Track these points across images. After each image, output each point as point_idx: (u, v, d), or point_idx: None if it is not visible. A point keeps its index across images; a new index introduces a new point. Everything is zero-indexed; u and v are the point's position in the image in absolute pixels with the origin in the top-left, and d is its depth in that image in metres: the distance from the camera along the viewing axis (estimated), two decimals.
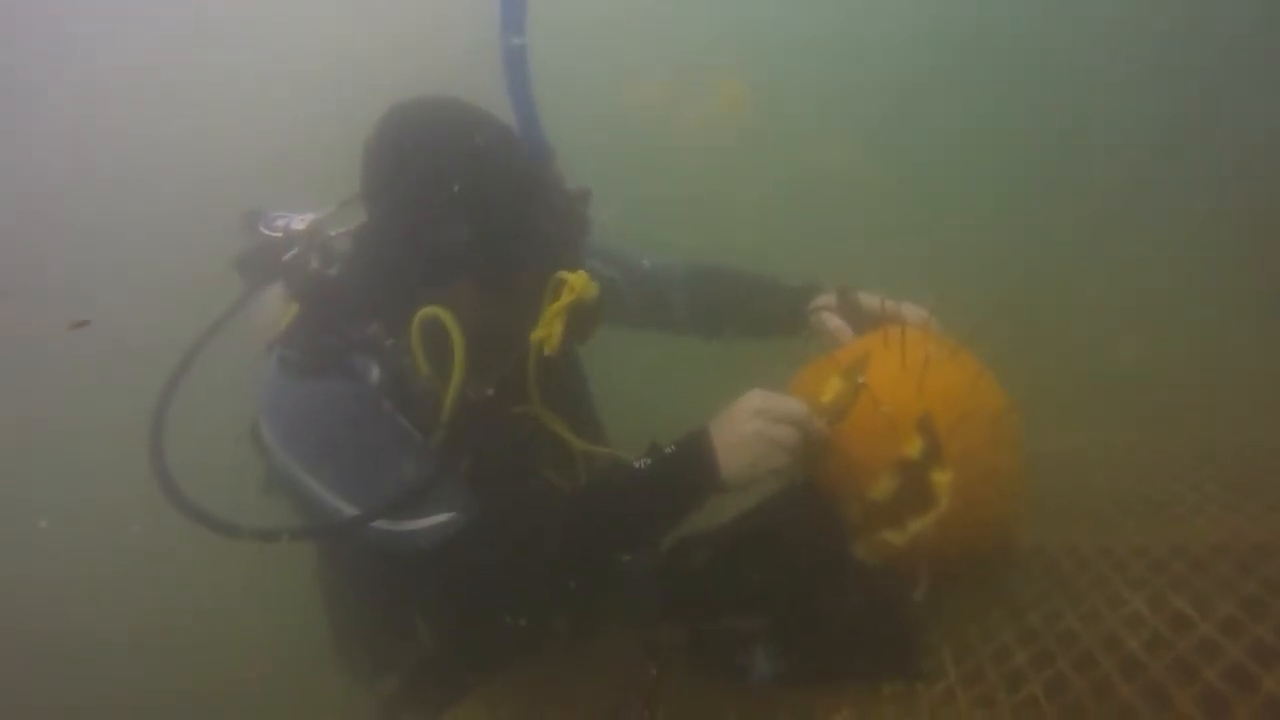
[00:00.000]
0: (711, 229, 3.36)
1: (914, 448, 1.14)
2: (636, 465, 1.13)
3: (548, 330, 1.19)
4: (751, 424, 1.10)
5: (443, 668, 1.29)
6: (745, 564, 1.15)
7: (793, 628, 1.13)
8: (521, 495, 1.26)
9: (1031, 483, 1.64)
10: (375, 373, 1.19)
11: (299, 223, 1.35)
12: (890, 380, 1.17)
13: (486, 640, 1.24)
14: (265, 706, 2.56)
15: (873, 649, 1.09)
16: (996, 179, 3.53)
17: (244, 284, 1.38)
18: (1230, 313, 2.48)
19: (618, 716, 1.17)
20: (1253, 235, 2.84)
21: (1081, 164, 3.44)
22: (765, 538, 1.16)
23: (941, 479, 1.12)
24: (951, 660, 1.06)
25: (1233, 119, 3.21)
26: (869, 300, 1.40)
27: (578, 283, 1.19)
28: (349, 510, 1.13)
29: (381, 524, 1.12)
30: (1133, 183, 3.31)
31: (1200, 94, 3.29)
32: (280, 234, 1.34)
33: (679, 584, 1.20)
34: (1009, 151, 3.52)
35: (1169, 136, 3.32)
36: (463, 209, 1.15)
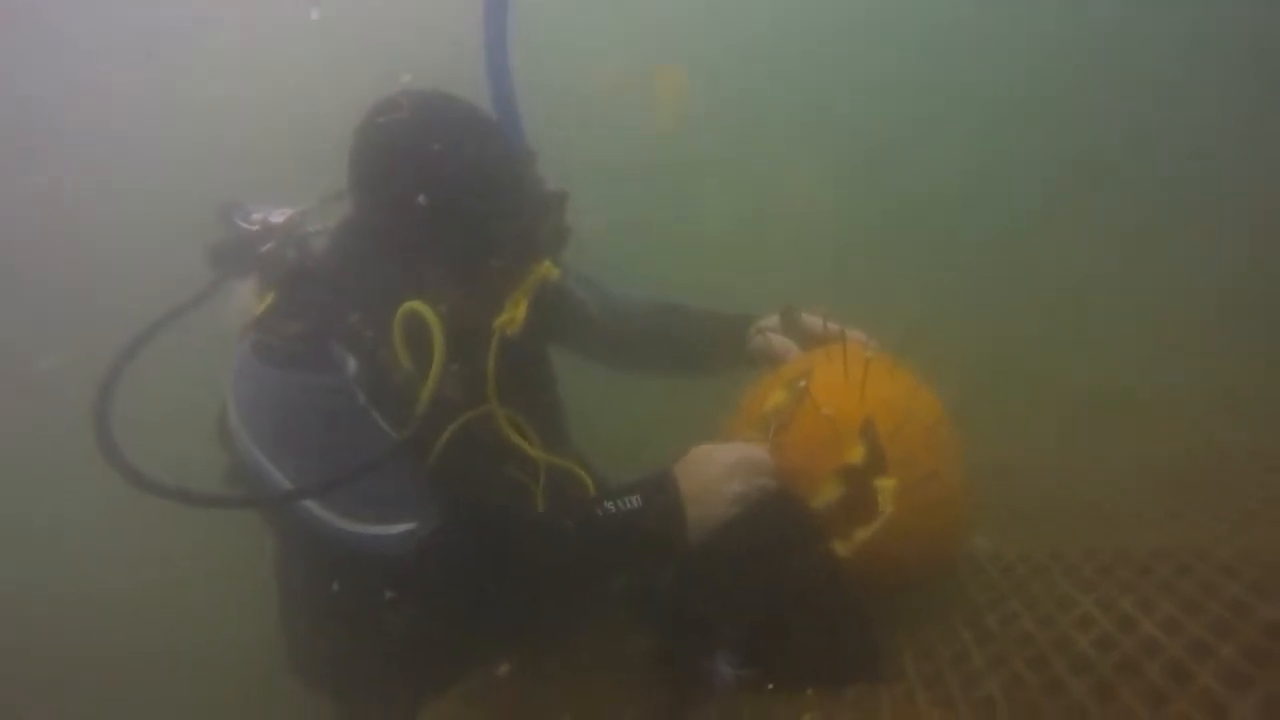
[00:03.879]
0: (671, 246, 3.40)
1: (857, 454, 1.16)
2: (601, 510, 1.13)
3: (511, 313, 1.22)
4: (732, 487, 1.12)
5: (407, 670, 1.27)
6: (724, 573, 1.16)
7: (756, 633, 1.15)
8: (483, 507, 1.26)
9: (987, 491, 1.72)
10: (352, 364, 1.18)
11: (277, 216, 1.33)
12: (833, 389, 1.20)
13: (450, 646, 1.23)
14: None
15: (835, 653, 1.11)
16: (948, 196, 3.64)
17: (214, 274, 1.35)
18: (1179, 329, 2.59)
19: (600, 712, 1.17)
20: (1198, 252, 2.99)
21: (1036, 187, 3.59)
22: (745, 546, 1.17)
23: (885, 485, 1.14)
24: (912, 663, 1.09)
25: (1163, 143, 3.39)
26: (811, 320, 1.46)
27: (541, 268, 1.23)
28: (310, 505, 1.12)
29: (344, 525, 1.11)
30: (1082, 203, 3.46)
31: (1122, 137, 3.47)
32: (257, 227, 1.32)
33: (647, 592, 1.21)
34: (961, 170, 3.64)
35: (1104, 165, 3.49)
36: (438, 195, 1.16)
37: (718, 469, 1.12)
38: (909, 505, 1.13)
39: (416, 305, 1.16)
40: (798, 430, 1.19)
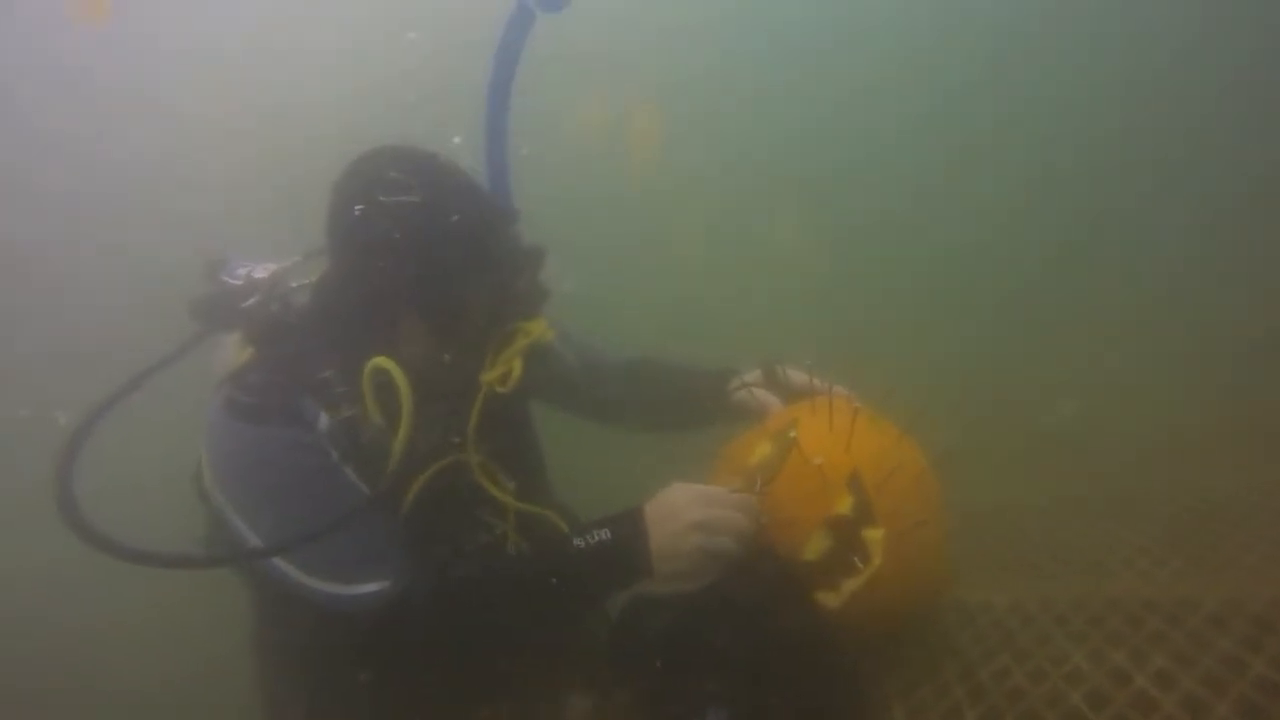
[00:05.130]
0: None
1: (845, 505, 1.15)
2: (570, 546, 1.12)
3: (505, 368, 1.22)
4: (691, 539, 1.08)
5: None
6: (706, 627, 1.14)
7: (744, 689, 1.12)
8: (454, 563, 1.23)
9: (974, 538, 1.71)
10: (324, 420, 1.17)
11: (261, 271, 1.34)
12: (819, 441, 1.20)
13: (428, 703, 1.18)
14: None
15: (825, 709, 1.08)
16: (934, 238, 3.72)
17: (196, 329, 1.35)
18: (1161, 367, 2.64)
19: None
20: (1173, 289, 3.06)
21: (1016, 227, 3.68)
22: (726, 600, 1.15)
23: (874, 536, 1.13)
24: (905, 718, 1.07)
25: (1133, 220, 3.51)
26: (793, 375, 1.47)
27: (534, 327, 1.24)
28: (280, 563, 1.09)
29: (315, 584, 1.09)
30: (1066, 247, 3.54)
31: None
32: (241, 281, 1.32)
33: (635, 646, 1.18)
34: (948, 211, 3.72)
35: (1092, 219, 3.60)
36: (413, 245, 1.17)
37: (682, 499, 1.12)
38: (896, 556, 1.12)
39: (382, 361, 1.16)
40: (785, 481, 1.18)
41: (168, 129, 3.20)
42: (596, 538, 1.11)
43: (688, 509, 1.11)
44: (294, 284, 1.36)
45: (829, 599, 1.15)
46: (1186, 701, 0.84)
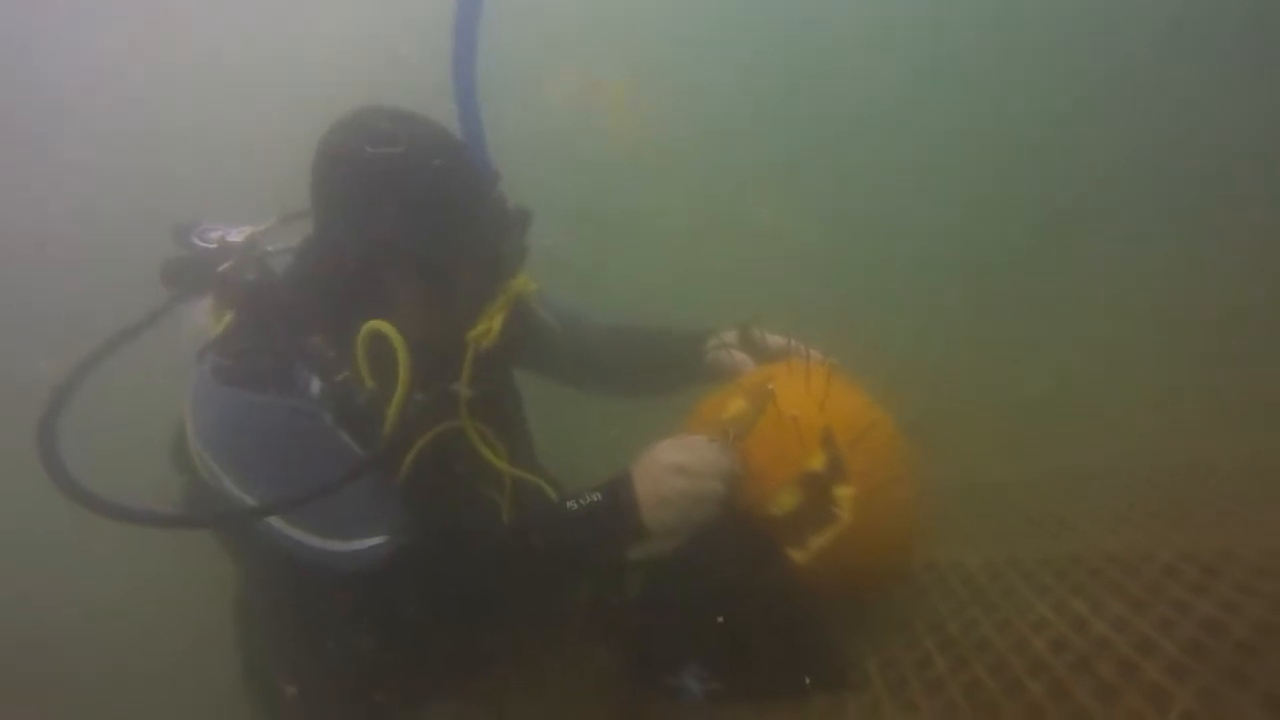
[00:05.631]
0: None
1: (818, 461, 1.16)
2: (564, 507, 1.13)
3: (487, 325, 1.22)
4: (675, 482, 1.10)
5: (377, 694, 1.24)
6: (680, 588, 1.17)
7: (720, 647, 1.15)
8: (452, 520, 1.25)
9: (951, 506, 1.76)
10: (316, 385, 1.17)
11: (235, 235, 1.31)
12: (793, 398, 1.21)
13: (421, 664, 1.21)
14: None
15: (800, 663, 1.12)
16: (916, 213, 3.74)
17: (167, 293, 1.33)
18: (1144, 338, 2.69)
19: None
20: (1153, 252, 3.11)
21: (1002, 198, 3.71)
22: (700, 563, 1.18)
23: (844, 493, 1.15)
24: (877, 670, 1.11)
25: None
26: (769, 336, 1.48)
27: (517, 283, 1.24)
28: (278, 524, 1.10)
29: (312, 541, 1.09)
30: (1052, 218, 3.58)
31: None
32: (215, 245, 1.30)
33: (619, 611, 1.21)
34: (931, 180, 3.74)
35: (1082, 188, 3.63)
36: (401, 201, 1.16)
37: (661, 449, 1.14)
38: (866, 514, 1.14)
39: (380, 325, 1.16)
40: (759, 436, 1.20)
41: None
42: (589, 499, 1.12)
43: (666, 453, 1.13)
44: (270, 248, 1.34)
45: (797, 555, 1.16)
46: (1140, 643, 0.89)
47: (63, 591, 2.66)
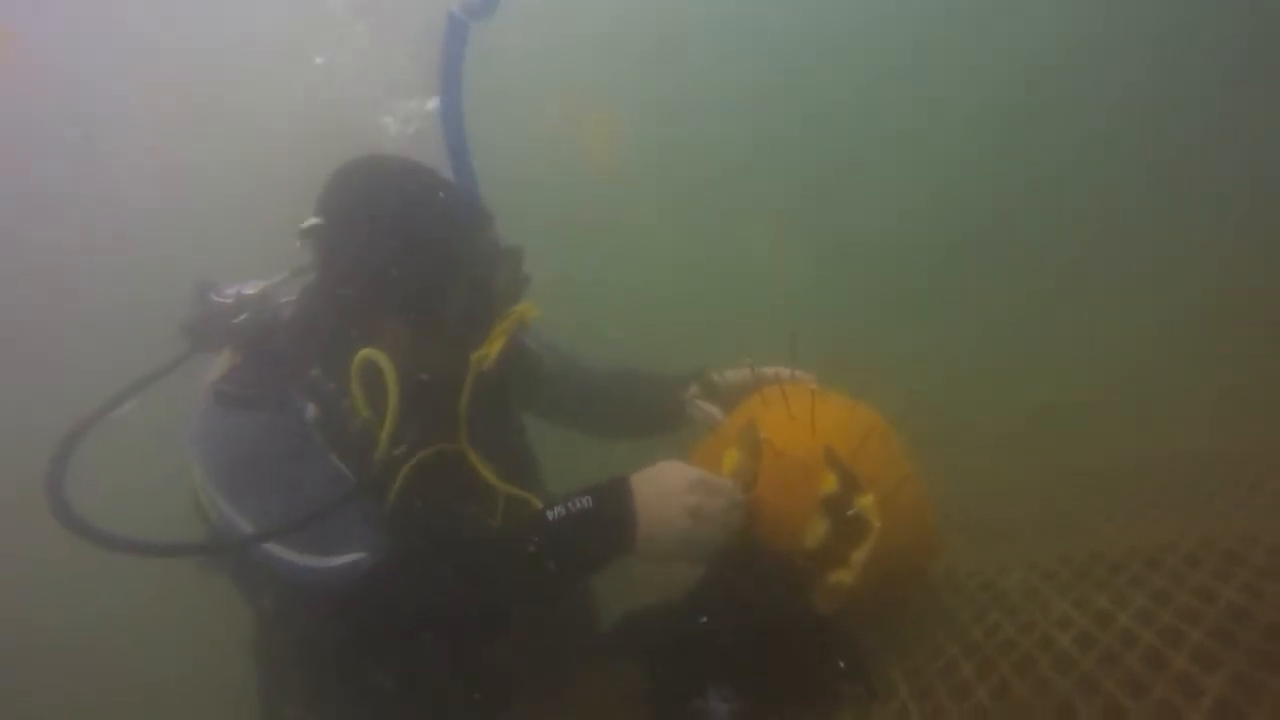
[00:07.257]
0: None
1: (830, 483, 1.16)
2: (550, 513, 1.11)
3: (489, 348, 1.26)
4: (681, 523, 1.08)
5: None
6: (708, 621, 1.13)
7: (742, 666, 1.13)
8: (433, 537, 1.25)
9: (965, 514, 1.74)
10: (311, 410, 1.21)
11: (250, 288, 1.37)
12: (783, 430, 1.21)
13: (427, 682, 1.20)
14: None
15: (825, 678, 1.10)
16: (920, 214, 3.77)
17: (187, 347, 1.36)
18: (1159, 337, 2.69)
19: None
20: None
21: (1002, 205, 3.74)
22: (724, 603, 1.13)
23: (865, 502, 1.15)
24: (903, 680, 1.09)
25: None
26: (734, 375, 1.52)
27: (521, 308, 1.30)
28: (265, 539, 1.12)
29: (293, 558, 1.11)
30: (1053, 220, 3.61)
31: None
32: (231, 300, 1.35)
33: (643, 630, 1.19)
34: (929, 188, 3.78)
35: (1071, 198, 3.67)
36: (392, 247, 1.23)
37: (678, 482, 1.11)
38: (892, 515, 1.14)
39: (372, 353, 1.20)
40: (766, 480, 1.18)
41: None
42: (578, 505, 1.10)
43: (685, 493, 1.10)
44: (283, 300, 1.40)
45: (844, 576, 1.15)
46: (1167, 634, 0.88)
47: (67, 604, 2.64)
